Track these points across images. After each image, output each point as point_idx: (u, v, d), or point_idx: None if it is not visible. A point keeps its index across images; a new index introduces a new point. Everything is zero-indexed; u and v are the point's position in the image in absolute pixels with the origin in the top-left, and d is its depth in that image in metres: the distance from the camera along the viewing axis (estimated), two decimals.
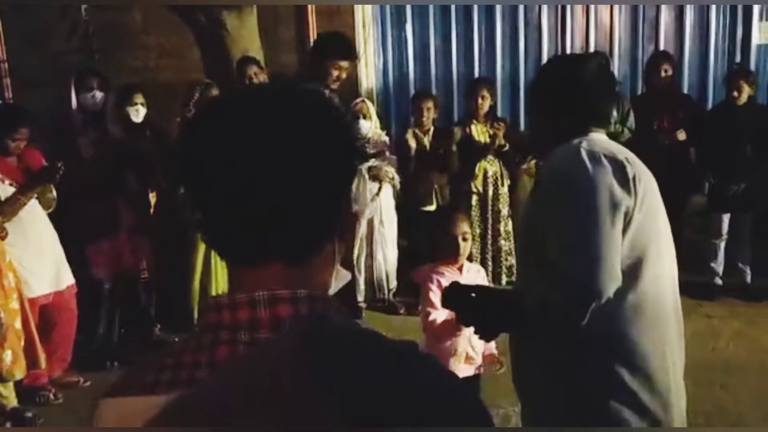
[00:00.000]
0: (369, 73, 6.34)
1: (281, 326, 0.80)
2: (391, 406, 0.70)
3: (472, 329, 2.92)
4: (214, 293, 4.86)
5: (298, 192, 0.81)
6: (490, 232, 4.99)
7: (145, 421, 0.75)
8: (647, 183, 1.85)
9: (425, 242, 3.83)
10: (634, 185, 1.79)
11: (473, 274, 3.00)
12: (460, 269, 2.94)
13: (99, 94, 4.35)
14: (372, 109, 5.07)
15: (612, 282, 1.76)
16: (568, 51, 6.07)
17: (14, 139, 3.96)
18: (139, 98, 4.59)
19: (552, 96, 1.98)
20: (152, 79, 5.98)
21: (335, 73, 4.23)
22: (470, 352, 2.95)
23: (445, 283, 2.98)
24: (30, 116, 4.12)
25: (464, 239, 2.93)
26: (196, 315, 4.84)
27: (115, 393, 0.85)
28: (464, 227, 2.96)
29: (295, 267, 0.84)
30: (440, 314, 2.82)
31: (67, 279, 4.21)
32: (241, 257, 0.85)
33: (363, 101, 5.15)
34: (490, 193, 4.98)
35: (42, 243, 4.05)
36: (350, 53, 4.35)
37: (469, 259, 3.09)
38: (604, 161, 1.80)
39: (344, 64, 4.28)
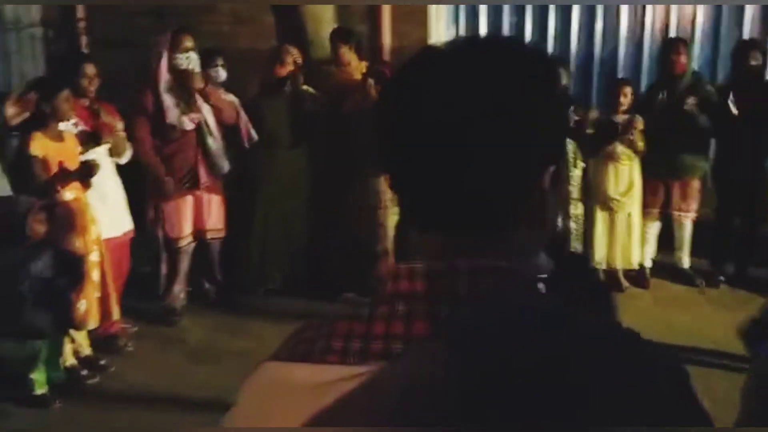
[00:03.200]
0: None
1: (484, 300, 0.73)
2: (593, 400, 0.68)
3: None
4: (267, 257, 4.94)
5: (503, 157, 0.75)
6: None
7: (335, 391, 0.72)
8: None
9: None
10: None
11: None
12: None
13: (193, 56, 4.38)
14: None
15: None
16: (648, 32, 5.93)
17: (83, 75, 4.08)
18: (220, 60, 4.68)
19: None
20: (227, 45, 6.03)
21: None
22: None
23: None
24: (90, 58, 4.22)
25: None
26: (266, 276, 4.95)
27: (285, 357, 0.79)
28: None
29: (491, 238, 0.77)
30: None
31: (125, 225, 4.33)
32: (436, 222, 0.79)
33: None
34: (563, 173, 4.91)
35: (104, 189, 4.13)
36: None
37: None
38: None
39: None
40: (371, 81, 4.65)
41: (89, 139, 3.97)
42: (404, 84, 0.80)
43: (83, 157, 3.90)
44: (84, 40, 6.76)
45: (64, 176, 3.78)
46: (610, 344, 0.73)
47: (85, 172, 3.83)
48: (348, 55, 5.00)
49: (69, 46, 6.56)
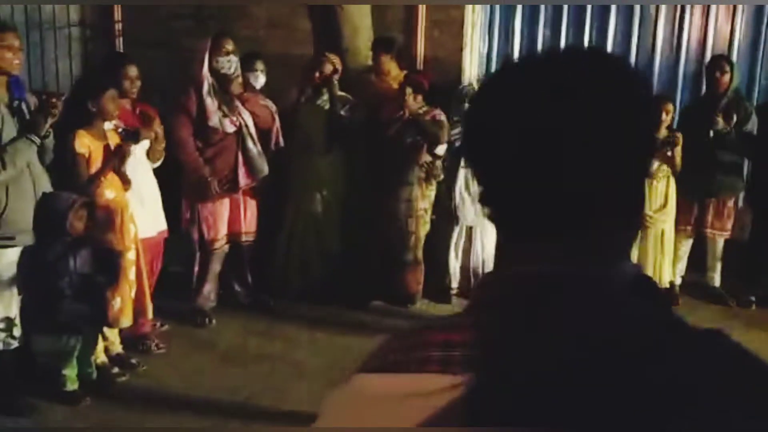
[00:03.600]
0: (473, 59, 6.29)
1: (573, 306, 0.73)
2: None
3: None
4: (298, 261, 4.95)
5: (598, 163, 0.75)
6: None
7: (439, 400, 0.71)
8: None
9: None
10: None
11: None
12: None
13: (234, 59, 4.42)
14: None
15: None
16: (684, 49, 5.90)
17: (126, 77, 4.12)
18: (260, 65, 4.72)
19: None
20: (262, 50, 6.06)
21: None
22: None
23: None
24: (132, 57, 4.27)
25: None
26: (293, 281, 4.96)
27: (377, 368, 0.78)
28: None
29: (585, 243, 0.77)
30: None
31: (159, 225, 4.34)
32: (530, 228, 0.79)
33: (471, 85, 5.15)
34: None
35: (141, 190, 4.15)
36: None
37: None
38: None
39: None
40: (409, 90, 4.66)
41: (129, 136, 4.01)
42: (503, 91, 0.81)
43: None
44: (121, 41, 6.84)
45: (114, 153, 3.84)
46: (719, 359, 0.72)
47: (131, 137, 3.91)
48: (388, 64, 5.02)
49: (107, 47, 6.64)
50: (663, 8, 5.95)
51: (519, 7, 6.23)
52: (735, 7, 5.81)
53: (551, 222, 0.78)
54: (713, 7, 5.85)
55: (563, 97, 0.76)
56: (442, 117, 4.78)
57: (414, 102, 4.68)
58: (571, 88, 0.76)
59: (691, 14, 5.91)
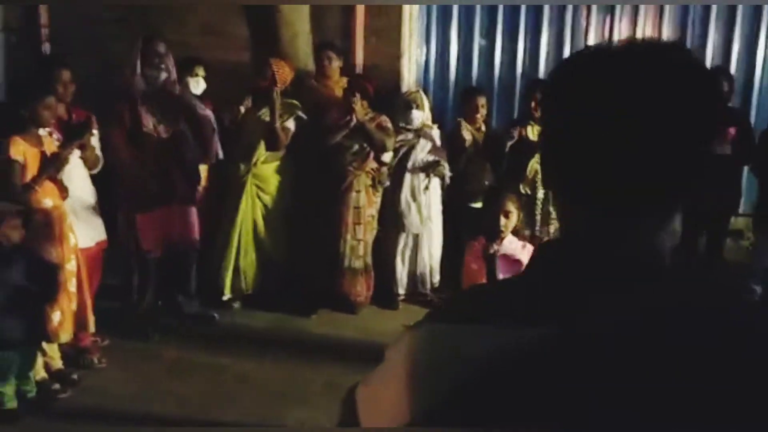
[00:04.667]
0: (411, 67, 6.33)
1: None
2: None
3: None
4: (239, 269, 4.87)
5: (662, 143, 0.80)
6: (537, 234, 4.97)
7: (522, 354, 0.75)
8: None
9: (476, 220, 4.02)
10: None
11: (515, 247, 3.18)
12: (501, 240, 3.17)
13: (167, 63, 4.28)
14: (425, 101, 5.06)
15: None
16: None
17: (60, 82, 3.99)
18: (200, 70, 4.60)
19: None
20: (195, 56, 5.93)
21: None
22: None
23: (480, 248, 3.22)
24: (66, 61, 4.15)
25: (506, 216, 3.16)
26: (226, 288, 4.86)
27: (450, 319, 0.82)
28: (508, 206, 3.20)
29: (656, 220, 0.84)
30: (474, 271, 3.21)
31: (98, 236, 4.19)
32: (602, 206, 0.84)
33: (417, 91, 5.15)
34: (539, 195, 4.97)
35: (78, 198, 4.01)
36: None
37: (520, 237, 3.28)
38: None
39: None
40: (357, 96, 4.64)
41: (77, 131, 3.86)
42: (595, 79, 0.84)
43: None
44: (47, 46, 6.59)
45: (50, 160, 3.70)
46: None
47: (81, 130, 3.82)
48: (332, 69, 4.98)
49: (33, 53, 6.38)
50: (593, 17, 6.14)
51: (455, 17, 6.32)
52: (662, 14, 6.05)
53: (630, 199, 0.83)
54: (641, 14, 6.08)
55: (644, 83, 0.80)
56: (388, 124, 4.79)
57: (361, 108, 4.66)
58: (650, 78, 0.80)
59: (620, 21, 6.12)
